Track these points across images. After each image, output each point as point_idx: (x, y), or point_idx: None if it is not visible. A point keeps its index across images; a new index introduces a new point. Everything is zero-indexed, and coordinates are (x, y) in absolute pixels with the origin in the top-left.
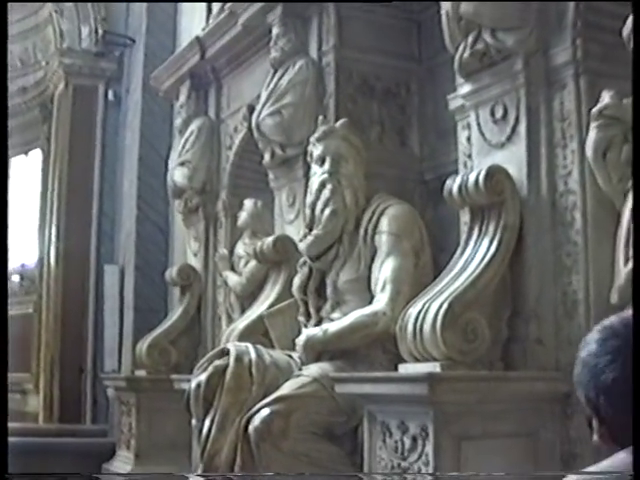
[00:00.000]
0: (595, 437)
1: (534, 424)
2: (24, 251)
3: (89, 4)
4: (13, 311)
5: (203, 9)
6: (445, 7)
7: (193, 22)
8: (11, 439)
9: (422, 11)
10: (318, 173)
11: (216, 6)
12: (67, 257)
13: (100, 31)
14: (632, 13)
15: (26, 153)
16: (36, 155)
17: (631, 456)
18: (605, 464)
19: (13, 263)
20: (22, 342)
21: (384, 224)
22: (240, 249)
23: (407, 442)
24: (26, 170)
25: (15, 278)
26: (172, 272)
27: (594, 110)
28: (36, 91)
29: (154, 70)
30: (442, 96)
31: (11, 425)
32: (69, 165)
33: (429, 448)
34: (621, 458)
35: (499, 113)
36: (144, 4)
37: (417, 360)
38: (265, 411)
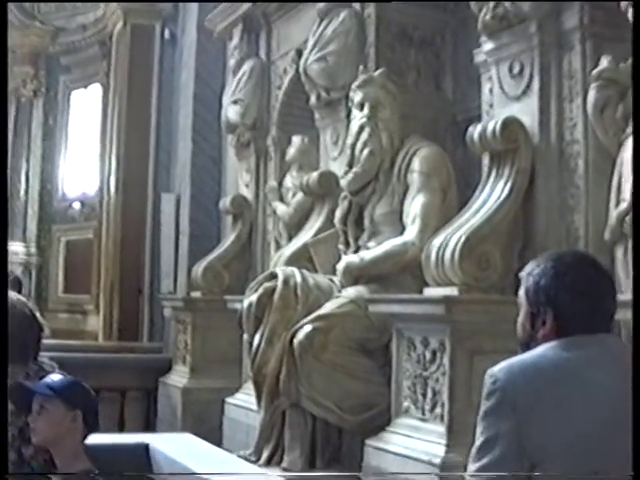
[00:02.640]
0: (540, 333)
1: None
2: (85, 180)
3: None
4: (74, 236)
5: None
6: None
7: None
8: (73, 355)
9: None
10: (358, 117)
11: None
12: (126, 186)
13: None
14: (632, 13)
15: (86, 87)
16: (95, 89)
17: (557, 348)
18: (538, 351)
19: (74, 191)
20: (82, 266)
21: (416, 164)
22: (288, 182)
23: (428, 355)
24: (86, 103)
25: (76, 205)
26: (225, 201)
27: (594, 72)
28: (95, 29)
29: (208, 11)
30: (473, 45)
31: (73, 342)
32: (128, 100)
33: (446, 360)
34: (553, 344)
35: (516, 69)
36: None
37: (438, 285)
38: (308, 327)
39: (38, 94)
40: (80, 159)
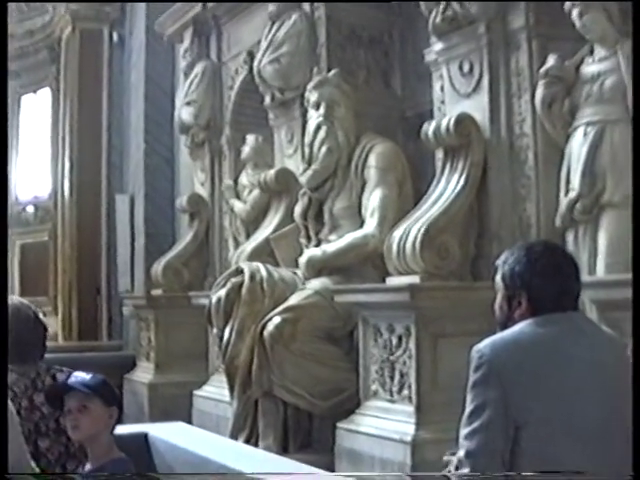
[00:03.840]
0: (517, 313)
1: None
2: (37, 183)
3: None
4: (29, 239)
5: None
6: None
7: None
8: None
9: None
10: (314, 117)
11: None
12: (80, 188)
13: None
14: (632, 13)
15: (35, 92)
16: (45, 93)
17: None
18: (516, 328)
19: (27, 195)
20: (38, 268)
21: (372, 160)
22: (244, 179)
23: (394, 340)
24: (36, 107)
25: (29, 209)
26: (182, 200)
27: (541, 70)
28: (43, 34)
29: (156, 13)
30: (420, 43)
31: None
32: (79, 102)
33: (412, 344)
34: (529, 322)
35: (466, 68)
36: None
37: (400, 274)
38: (276, 319)
39: None
40: (32, 163)
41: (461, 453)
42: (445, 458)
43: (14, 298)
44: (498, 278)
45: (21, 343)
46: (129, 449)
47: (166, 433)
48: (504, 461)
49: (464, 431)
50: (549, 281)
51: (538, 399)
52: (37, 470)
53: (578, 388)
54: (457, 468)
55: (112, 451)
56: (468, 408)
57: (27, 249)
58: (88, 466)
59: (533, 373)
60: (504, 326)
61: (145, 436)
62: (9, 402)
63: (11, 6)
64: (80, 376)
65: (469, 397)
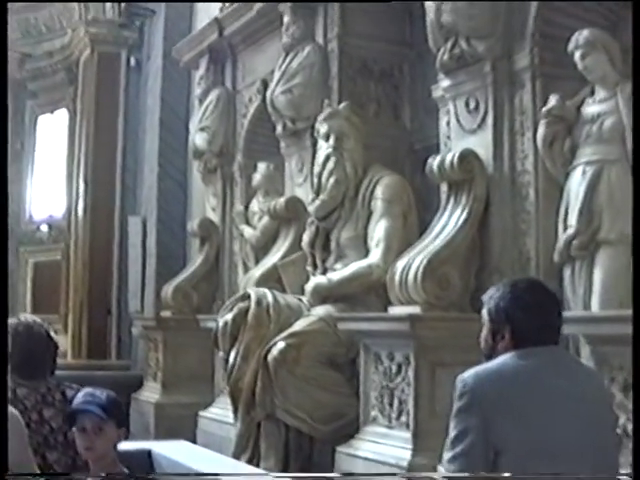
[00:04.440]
0: (500, 345)
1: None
2: (52, 203)
3: None
4: (42, 258)
5: None
6: (429, 16)
7: None
8: None
9: (414, 1)
10: (324, 148)
11: None
12: (94, 209)
13: (123, 3)
14: (632, 13)
15: (52, 112)
16: (62, 114)
17: (515, 357)
18: (499, 360)
19: (42, 214)
20: (50, 286)
21: (379, 191)
22: (255, 206)
23: (394, 368)
24: (52, 127)
25: (44, 228)
26: (193, 224)
27: (543, 110)
28: (61, 55)
29: (173, 39)
30: (430, 76)
31: None
32: (95, 124)
33: (411, 373)
34: (511, 355)
35: (472, 105)
36: None
37: (402, 304)
38: (281, 344)
39: None
40: (47, 182)
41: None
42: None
43: (27, 316)
44: (484, 312)
45: (33, 359)
46: (132, 464)
47: (169, 450)
48: None
49: (447, 455)
50: (531, 316)
51: (517, 427)
52: None
53: (556, 417)
54: None
55: (115, 465)
56: (451, 434)
57: (40, 267)
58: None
59: (513, 402)
60: (489, 357)
61: (149, 453)
62: (19, 415)
63: (30, 27)
64: (97, 397)
65: (452, 423)
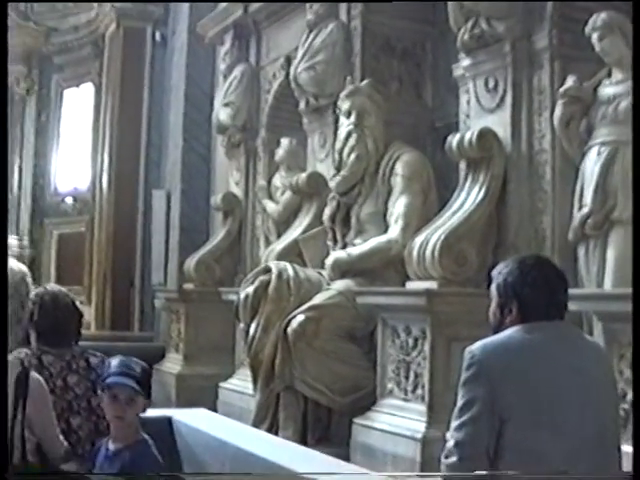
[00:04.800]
0: (508, 320)
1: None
2: (77, 176)
3: None
4: (66, 230)
5: None
6: None
7: None
8: None
9: None
10: (345, 124)
11: None
12: (118, 182)
13: None
14: (632, 13)
15: (78, 86)
16: (87, 88)
17: (521, 331)
18: (506, 333)
19: (67, 186)
20: (74, 258)
21: (399, 168)
22: (277, 181)
23: (410, 342)
24: (78, 101)
25: (68, 200)
26: (217, 198)
27: (560, 90)
28: (87, 30)
29: (198, 14)
30: (451, 55)
31: None
32: (120, 99)
33: (427, 347)
34: (517, 328)
35: (491, 84)
36: None
37: (420, 279)
38: (300, 317)
39: (31, 92)
40: (72, 156)
41: (451, 443)
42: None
43: (53, 285)
44: (493, 287)
45: (58, 328)
46: (153, 431)
47: (189, 418)
48: (489, 451)
49: (454, 423)
50: (538, 292)
51: (522, 397)
52: (66, 444)
53: (560, 388)
54: (446, 457)
55: (137, 433)
56: (459, 403)
57: (64, 239)
58: (112, 445)
59: (519, 374)
60: (496, 331)
61: (169, 420)
62: (43, 382)
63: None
64: (132, 368)
65: (460, 393)
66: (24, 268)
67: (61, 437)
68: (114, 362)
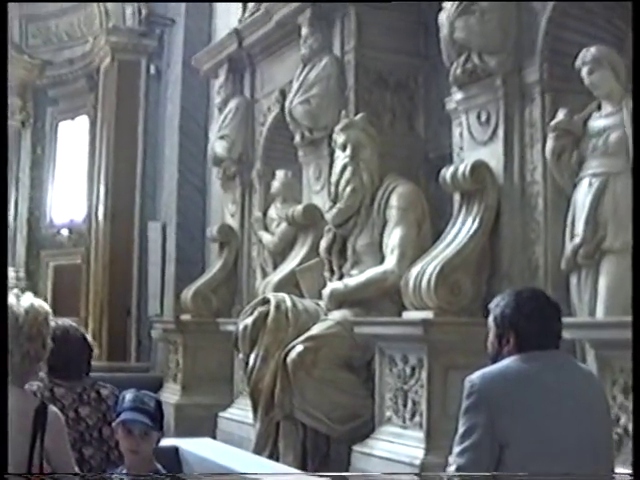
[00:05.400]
0: (505, 350)
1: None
2: (72, 207)
3: None
4: (62, 261)
5: None
6: (443, 32)
7: (229, 5)
8: None
9: (428, 14)
10: (341, 157)
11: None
12: (114, 214)
13: (143, 11)
14: (632, 13)
15: (73, 118)
16: (82, 121)
17: (519, 361)
18: (504, 363)
19: (62, 218)
20: (70, 289)
21: (394, 200)
22: (273, 212)
23: (408, 370)
24: (73, 134)
25: (64, 232)
26: (213, 230)
27: (551, 123)
28: (82, 63)
29: (192, 48)
30: (444, 87)
31: None
32: (115, 131)
33: (424, 375)
34: (515, 358)
35: (483, 117)
36: None
37: (416, 308)
38: (299, 347)
39: (26, 125)
40: (67, 188)
41: (452, 467)
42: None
43: (64, 320)
44: (490, 319)
45: (69, 361)
46: (161, 461)
47: (195, 447)
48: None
49: (456, 449)
50: (533, 323)
51: (520, 424)
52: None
53: (556, 415)
54: None
55: (152, 463)
56: (460, 430)
57: (60, 271)
58: (126, 478)
59: (517, 401)
60: (494, 360)
61: (176, 450)
62: (60, 415)
63: (51, 34)
64: (146, 404)
65: (461, 421)
66: (47, 307)
67: (76, 468)
68: (128, 396)
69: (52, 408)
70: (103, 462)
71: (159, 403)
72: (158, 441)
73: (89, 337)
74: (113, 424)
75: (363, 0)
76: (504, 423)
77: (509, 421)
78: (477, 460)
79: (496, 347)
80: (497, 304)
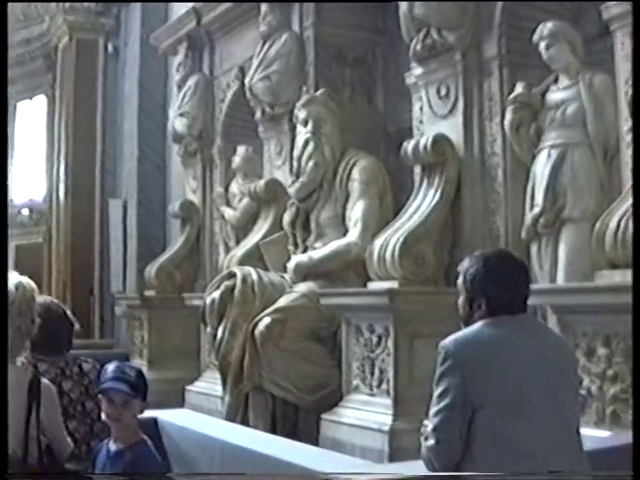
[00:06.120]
0: (476, 315)
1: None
2: (32, 187)
3: None
4: (23, 241)
5: None
6: (402, 9)
7: None
8: None
9: None
10: (302, 132)
11: None
12: (75, 192)
13: None
14: (632, 13)
15: (31, 98)
16: (41, 100)
17: (490, 325)
18: (475, 328)
19: (22, 198)
20: (32, 268)
21: (355, 173)
22: (234, 188)
23: (374, 339)
24: (31, 113)
25: (25, 211)
26: (175, 206)
27: (510, 96)
28: (39, 43)
29: (150, 26)
30: (402, 62)
31: None
32: (74, 110)
33: (390, 344)
34: (486, 322)
35: (443, 92)
36: None
37: (380, 279)
38: (266, 319)
39: None
40: (27, 167)
41: (429, 428)
42: (422, 430)
43: (45, 297)
44: (460, 282)
45: (52, 336)
46: (142, 431)
47: (174, 417)
48: (462, 436)
49: (432, 410)
50: (503, 288)
51: (493, 385)
52: (72, 445)
53: (526, 377)
54: (426, 439)
55: (136, 434)
56: (435, 392)
57: (22, 250)
58: (113, 446)
59: (489, 364)
60: (466, 323)
61: (155, 420)
62: (53, 387)
63: (8, 14)
64: (127, 373)
65: (436, 383)
66: (33, 284)
67: (68, 438)
68: (110, 367)
69: (45, 381)
70: (87, 435)
71: (140, 373)
72: (141, 411)
73: (69, 313)
74: (99, 395)
75: None
76: (477, 385)
77: (482, 383)
78: (450, 420)
79: (467, 310)
80: (466, 269)
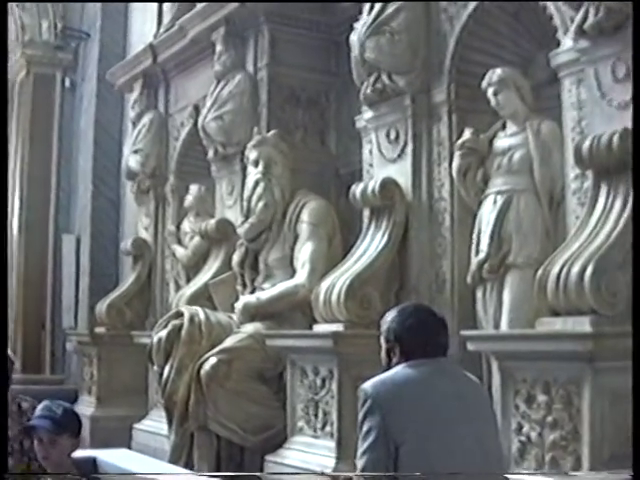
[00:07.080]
0: (394, 361)
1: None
2: None
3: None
4: None
5: (154, 10)
6: (353, 52)
7: (145, 21)
8: None
9: (340, 33)
10: (253, 173)
11: (167, 16)
12: (28, 227)
13: (59, 25)
14: (632, 13)
15: None
16: None
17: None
18: (393, 371)
19: None
20: None
21: (304, 215)
22: (186, 226)
23: (319, 382)
24: None
25: None
26: (127, 243)
27: (458, 142)
28: None
29: (107, 62)
30: (355, 104)
31: None
32: (30, 144)
33: (334, 386)
34: (402, 365)
35: (392, 136)
36: (99, 3)
37: (326, 321)
38: (213, 359)
39: None
40: None
41: (358, 469)
42: None
43: None
44: (381, 334)
45: None
46: (80, 471)
47: (113, 457)
48: (389, 471)
49: (358, 452)
50: (415, 335)
51: (411, 423)
52: None
53: (444, 414)
54: None
55: (72, 472)
56: (360, 433)
57: None
58: None
59: (406, 402)
60: (387, 370)
61: (94, 460)
62: None
63: None
64: (53, 411)
65: (359, 426)
66: None
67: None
68: (40, 406)
69: None
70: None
71: (69, 411)
72: (73, 449)
73: (9, 351)
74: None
75: (275, 20)
76: (397, 423)
77: (401, 421)
78: (375, 460)
79: (386, 359)
80: (385, 320)
